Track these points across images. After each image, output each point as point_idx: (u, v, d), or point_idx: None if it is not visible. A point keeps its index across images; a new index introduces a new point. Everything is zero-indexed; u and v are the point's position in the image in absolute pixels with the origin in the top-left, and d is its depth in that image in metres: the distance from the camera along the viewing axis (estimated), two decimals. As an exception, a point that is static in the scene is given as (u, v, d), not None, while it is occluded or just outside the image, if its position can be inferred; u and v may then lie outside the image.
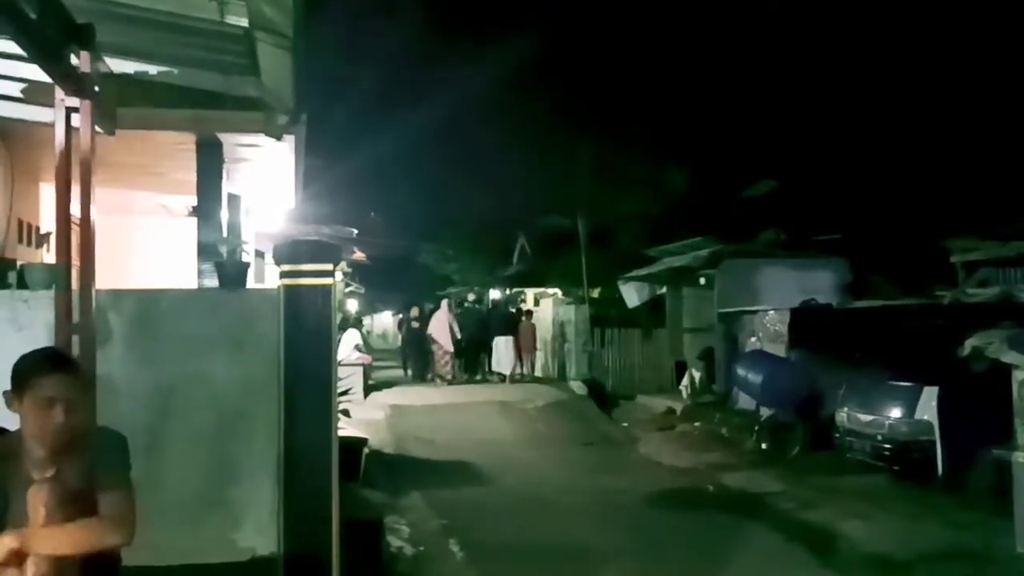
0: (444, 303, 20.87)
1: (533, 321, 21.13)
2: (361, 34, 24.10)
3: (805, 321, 12.31)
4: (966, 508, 8.00)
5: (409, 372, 21.24)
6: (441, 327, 19.37)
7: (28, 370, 2.66)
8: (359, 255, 19.45)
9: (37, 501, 2.51)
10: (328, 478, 4.94)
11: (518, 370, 19.91)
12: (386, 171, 29.78)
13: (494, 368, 19.92)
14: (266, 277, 10.91)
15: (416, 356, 20.79)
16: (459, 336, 19.50)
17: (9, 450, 2.67)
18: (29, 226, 8.13)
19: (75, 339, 4.28)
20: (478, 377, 20.33)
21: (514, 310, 22.39)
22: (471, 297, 24.52)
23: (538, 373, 21.00)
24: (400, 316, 25.73)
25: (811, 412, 11.07)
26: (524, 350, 20.14)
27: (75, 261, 4.44)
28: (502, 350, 19.61)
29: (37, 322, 4.79)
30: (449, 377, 19.34)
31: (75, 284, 4.39)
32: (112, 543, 2.70)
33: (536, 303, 24.97)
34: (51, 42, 3.62)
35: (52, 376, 2.63)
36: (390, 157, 28.20)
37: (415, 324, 21.01)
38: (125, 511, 2.70)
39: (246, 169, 8.07)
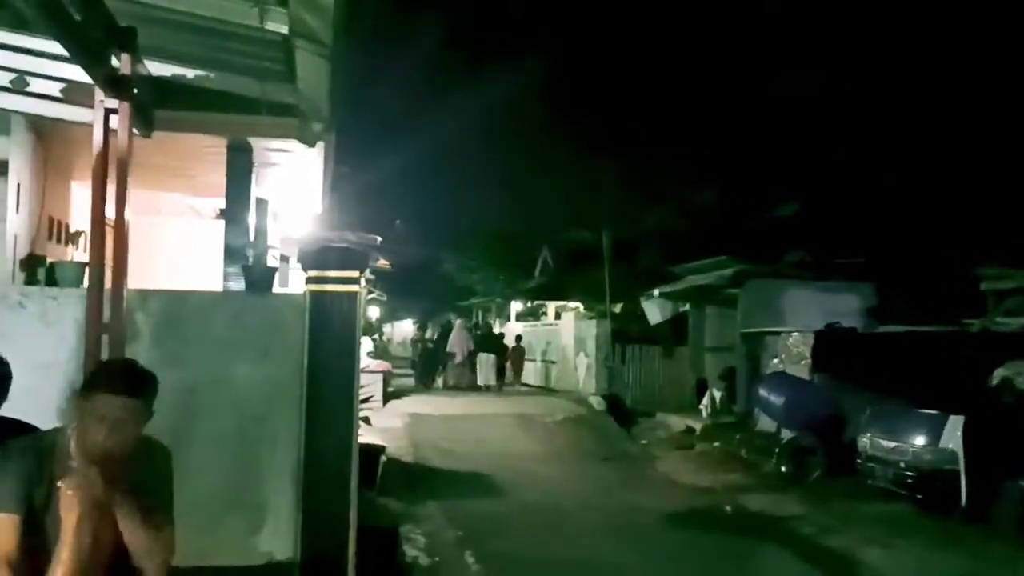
0: (459, 321, 23.74)
1: (522, 344, 23.92)
2: (389, 45, 24.24)
3: (829, 344, 12.20)
4: (990, 539, 7.89)
5: (423, 382, 22.88)
6: (458, 342, 22.22)
7: (96, 380, 2.67)
8: (382, 263, 19.53)
9: (72, 502, 2.52)
10: (347, 485, 4.94)
11: (496, 381, 22.09)
12: (412, 179, 29.80)
13: (479, 381, 21.92)
14: (290, 282, 10.94)
15: (427, 369, 23.12)
16: (472, 349, 22.21)
17: (55, 445, 2.68)
18: (59, 224, 8.21)
19: (104, 338, 4.31)
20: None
21: (498, 332, 25.33)
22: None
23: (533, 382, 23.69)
24: (417, 331, 26.68)
25: (833, 436, 10.96)
26: (512, 367, 23.05)
27: (107, 261, 4.48)
28: (485, 365, 22.02)
29: (66, 319, 4.83)
30: (464, 384, 21.74)
31: (107, 283, 4.42)
32: (154, 568, 2.71)
33: (557, 316, 24.99)
34: (94, 44, 3.66)
35: (112, 397, 2.60)
36: (416, 166, 28.25)
37: (430, 345, 23.49)
38: (171, 542, 2.73)
39: (275, 174, 8.12)
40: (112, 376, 2.68)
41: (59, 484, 2.50)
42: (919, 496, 9.06)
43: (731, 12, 21.50)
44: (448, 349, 22.29)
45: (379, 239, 15.65)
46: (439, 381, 22.67)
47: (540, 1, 26.20)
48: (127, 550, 2.68)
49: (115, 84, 4.11)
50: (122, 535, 2.62)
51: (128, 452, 2.64)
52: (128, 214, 4.44)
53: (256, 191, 7.85)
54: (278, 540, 5.00)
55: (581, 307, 23.99)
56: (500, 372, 22.33)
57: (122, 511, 2.57)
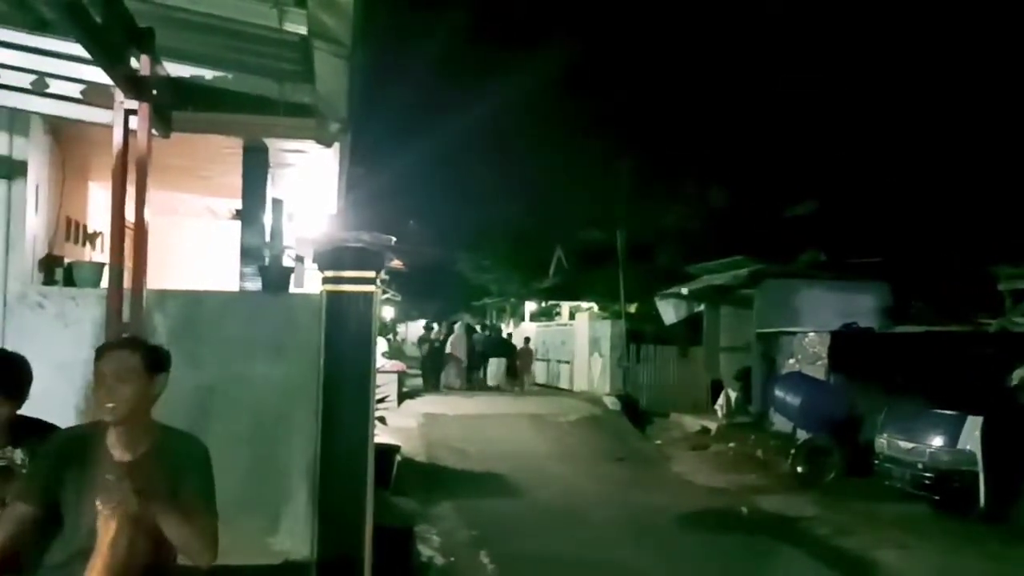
0: (457, 326, 24.21)
1: (531, 347, 24.31)
2: (405, 45, 24.28)
3: (845, 344, 12.15)
4: (1008, 542, 7.84)
5: (435, 382, 23.14)
6: (457, 345, 22.95)
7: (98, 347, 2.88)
8: (396, 263, 19.61)
9: (108, 517, 2.53)
10: (363, 484, 4.94)
11: (506, 383, 22.72)
12: (425, 180, 29.83)
13: (489, 383, 22.69)
14: (306, 282, 10.96)
15: (435, 369, 23.47)
16: (471, 352, 23.08)
17: (79, 441, 2.71)
18: (77, 224, 8.24)
19: (124, 338, 4.32)
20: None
21: (507, 335, 26.06)
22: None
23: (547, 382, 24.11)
24: (424, 331, 26.81)
25: (849, 437, 10.91)
26: (521, 369, 23.34)
27: (126, 261, 4.50)
28: (494, 368, 22.92)
29: (84, 319, 4.86)
30: (459, 385, 22.32)
31: (126, 283, 4.44)
32: (198, 565, 2.73)
33: (571, 316, 24.97)
34: (114, 46, 3.69)
35: (108, 352, 2.80)
36: (430, 166, 28.28)
37: (437, 345, 23.99)
38: (214, 537, 2.75)
39: (290, 174, 8.12)
40: (111, 341, 2.96)
41: (97, 502, 2.52)
42: (937, 497, 9.02)
43: (747, 11, 21.42)
44: (448, 351, 22.92)
45: (394, 239, 15.68)
46: (445, 380, 23.00)
47: (557, 3, 26.19)
48: (162, 552, 2.70)
49: (135, 85, 4.13)
50: (157, 539, 2.64)
51: (133, 421, 2.71)
52: (147, 214, 4.47)
53: (272, 191, 7.87)
54: (294, 540, 5.01)
55: (595, 307, 23.96)
56: (511, 374, 22.65)
57: (161, 517, 2.58)
